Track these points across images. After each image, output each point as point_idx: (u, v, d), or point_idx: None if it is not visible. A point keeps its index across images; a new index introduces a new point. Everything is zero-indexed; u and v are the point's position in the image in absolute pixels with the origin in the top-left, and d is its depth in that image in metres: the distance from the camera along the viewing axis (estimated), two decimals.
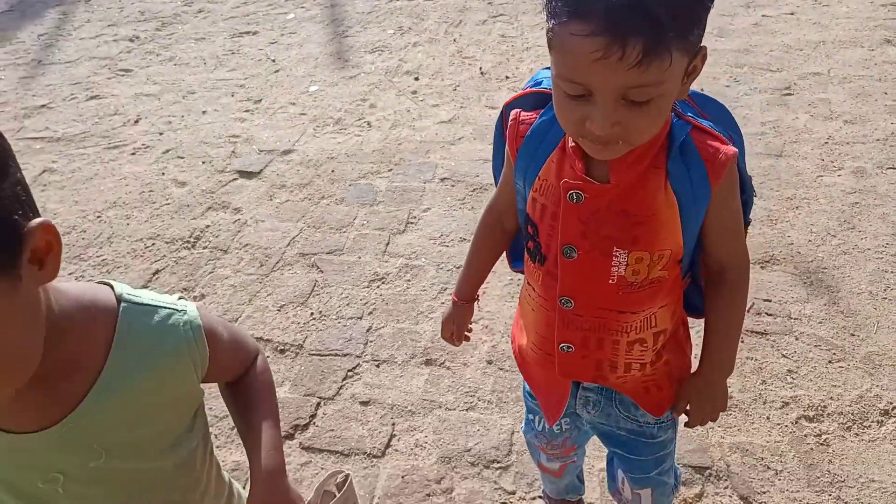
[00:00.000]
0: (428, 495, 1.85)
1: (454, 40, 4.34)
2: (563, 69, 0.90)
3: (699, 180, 1.02)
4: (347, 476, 1.15)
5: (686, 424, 1.30)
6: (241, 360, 1.04)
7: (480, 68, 3.98)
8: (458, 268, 2.58)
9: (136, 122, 3.75)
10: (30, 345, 0.74)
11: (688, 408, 1.27)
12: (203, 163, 3.35)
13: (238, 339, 1.03)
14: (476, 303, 1.45)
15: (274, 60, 4.28)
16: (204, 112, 3.79)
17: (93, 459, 0.87)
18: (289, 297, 2.52)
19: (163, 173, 3.30)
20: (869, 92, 3.38)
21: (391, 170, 3.19)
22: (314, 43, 4.47)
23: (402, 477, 1.90)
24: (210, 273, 2.67)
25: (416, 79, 3.94)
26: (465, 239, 2.73)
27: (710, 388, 1.24)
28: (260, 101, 3.86)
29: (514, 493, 1.85)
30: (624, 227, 1.05)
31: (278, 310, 2.46)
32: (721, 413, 1.29)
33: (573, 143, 1.04)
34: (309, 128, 3.57)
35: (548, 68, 1.11)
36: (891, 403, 2.00)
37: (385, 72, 4.05)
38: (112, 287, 0.87)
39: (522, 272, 1.30)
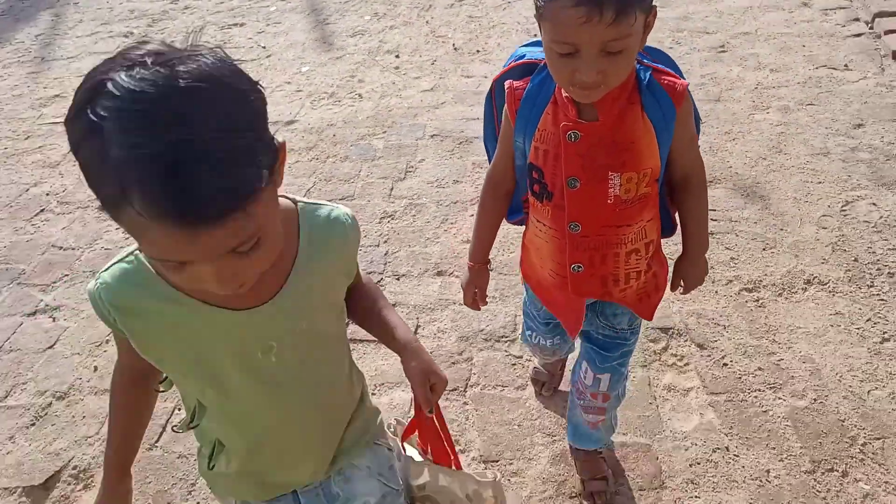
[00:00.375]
0: (453, 363, 2.31)
1: (427, 22, 4.80)
2: (555, 34, 1.14)
3: (666, 107, 1.28)
4: (497, 478, 1.36)
5: (682, 292, 1.63)
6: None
7: (453, 44, 4.45)
8: (454, 203, 3.04)
9: None
10: (281, 234, 0.91)
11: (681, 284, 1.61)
12: None
13: None
14: (489, 265, 1.64)
15: (264, 47, 4.69)
16: None
17: (298, 325, 1.06)
18: None
19: None
20: (790, 46, 3.94)
21: (385, 131, 3.63)
22: (299, 31, 4.88)
23: (430, 352, 2.35)
24: None
25: (397, 56, 4.39)
26: (458, 181, 3.19)
27: (696, 263, 1.57)
28: (258, 81, 4.26)
29: (521, 357, 2.32)
30: (614, 154, 1.28)
31: None
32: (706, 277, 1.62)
33: (565, 95, 1.27)
34: (306, 102, 3.99)
35: (526, 44, 1.44)
36: (812, 276, 2.51)
37: (368, 52, 4.49)
38: (288, 196, 1.06)
39: (518, 223, 1.60)
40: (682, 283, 1.61)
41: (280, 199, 1.00)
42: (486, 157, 1.65)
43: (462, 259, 2.62)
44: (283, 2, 5.37)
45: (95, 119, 0.70)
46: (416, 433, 1.38)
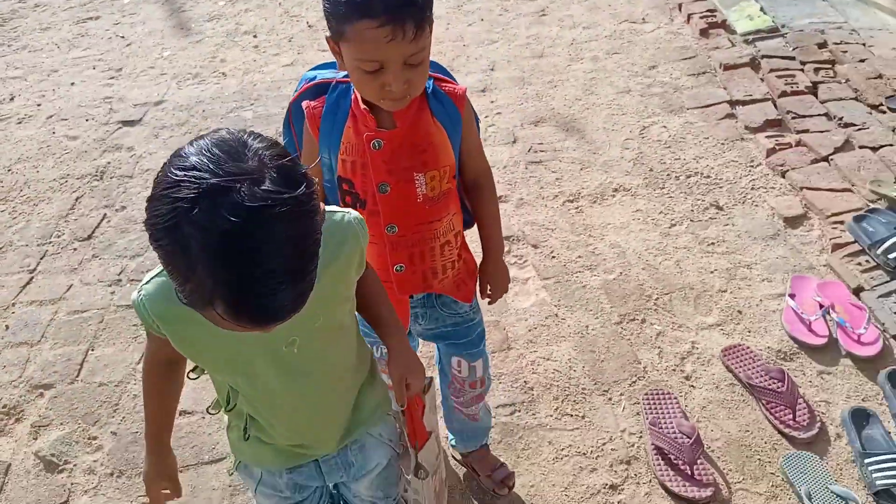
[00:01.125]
0: None
1: (280, 3, 5.10)
2: (362, 54, 1.21)
3: (451, 110, 1.42)
4: (431, 380, 1.42)
5: (489, 302, 1.76)
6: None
7: (307, 22, 4.80)
8: None
9: (12, 99, 4.23)
10: None
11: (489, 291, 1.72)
12: (87, 120, 3.94)
13: None
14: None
15: (123, 37, 4.84)
16: (73, 84, 4.34)
17: (316, 321, 1.13)
18: None
19: (53, 132, 3.86)
20: (598, 6, 4.57)
21: (252, 104, 3.96)
22: (155, 19, 5.06)
23: None
24: (123, 193, 3.34)
25: (255, 36, 4.70)
26: None
27: (498, 267, 1.68)
28: (121, 69, 4.45)
29: None
30: (415, 155, 1.39)
31: None
32: (510, 285, 1.77)
33: (363, 107, 1.35)
34: (172, 83, 4.23)
35: (313, 68, 1.53)
36: (619, 185, 3.10)
37: (226, 34, 4.76)
38: None
39: None
40: (489, 289, 1.72)
41: None
42: None
43: None
44: None
45: (183, 234, 0.82)
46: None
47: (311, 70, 1.53)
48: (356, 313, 1.33)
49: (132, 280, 2.81)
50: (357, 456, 1.37)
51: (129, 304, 2.53)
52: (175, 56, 4.55)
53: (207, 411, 1.31)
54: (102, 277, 2.84)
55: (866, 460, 1.95)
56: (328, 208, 1.14)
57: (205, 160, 0.84)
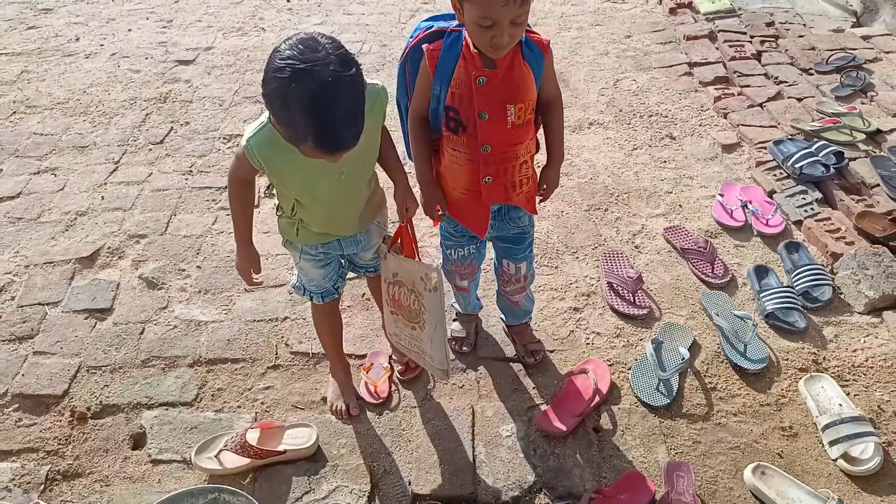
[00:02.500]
0: None
1: None
2: (480, 12, 1.56)
3: (538, 55, 1.77)
4: (438, 270, 1.92)
5: (541, 200, 2.11)
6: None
7: None
8: None
9: (77, 39, 4.90)
10: None
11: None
12: (146, 58, 4.62)
13: None
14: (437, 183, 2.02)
15: None
16: (129, 30, 5.02)
17: (357, 159, 1.75)
18: (249, 116, 3.95)
19: (118, 65, 4.54)
20: None
21: None
22: None
23: None
24: (185, 113, 4.02)
25: (289, 0, 5.40)
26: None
27: (554, 172, 2.04)
28: (171, 20, 5.14)
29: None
30: (509, 91, 1.74)
31: (244, 122, 3.89)
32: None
33: (474, 50, 1.71)
34: (218, 34, 4.92)
35: (426, 19, 1.87)
36: (594, 120, 3.82)
37: None
38: None
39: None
40: (545, 186, 2.07)
41: None
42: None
43: None
44: None
45: (287, 98, 1.43)
46: (399, 241, 2.04)
47: (423, 21, 1.90)
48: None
49: (201, 171, 3.49)
50: (365, 236, 2.05)
51: (203, 186, 3.25)
52: (219, 13, 5.24)
53: (277, 213, 1.98)
54: (177, 168, 3.53)
55: (761, 294, 2.67)
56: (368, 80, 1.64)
57: (295, 52, 1.42)
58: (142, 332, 2.60)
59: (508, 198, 1.96)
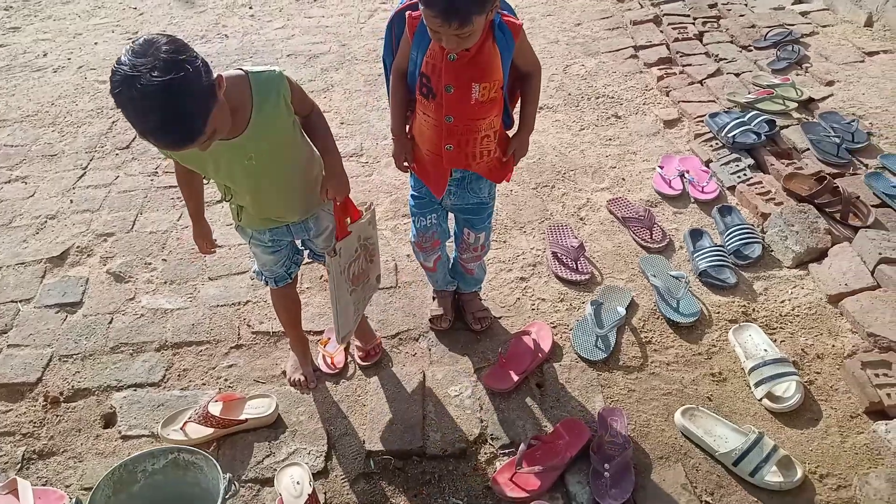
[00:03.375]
0: None
1: None
2: (427, 23, 1.69)
3: (509, 38, 1.84)
4: (372, 206, 2.14)
5: (513, 162, 2.19)
6: (308, 102, 1.88)
7: None
8: (310, 92, 4.27)
9: (45, 55, 5.04)
10: (229, 117, 1.61)
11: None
12: None
13: (302, 91, 1.84)
14: (408, 135, 2.12)
15: (135, 8, 5.67)
16: (96, 43, 5.15)
17: (261, 144, 1.76)
18: None
19: (85, 77, 4.67)
20: None
21: (251, 57, 4.80)
22: None
23: None
24: None
25: (251, 7, 5.55)
26: (311, 80, 4.42)
27: (523, 139, 2.12)
28: (136, 32, 5.28)
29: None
30: (475, 70, 1.82)
31: None
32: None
33: None
34: None
35: None
36: (543, 105, 3.97)
37: (225, 6, 5.61)
38: (241, 68, 1.71)
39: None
40: (512, 152, 2.15)
41: (233, 70, 1.68)
42: (382, 70, 2.17)
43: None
44: None
45: (119, 103, 1.44)
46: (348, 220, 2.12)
47: None
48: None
49: (166, 171, 3.63)
50: (314, 222, 2.12)
51: (168, 186, 3.39)
52: (182, 22, 5.39)
53: (219, 201, 2.07)
54: (143, 171, 3.66)
55: (695, 254, 2.84)
56: (256, 69, 1.72)
57: (126, 58, 1.42)
58: (110, 322, 2.73)
59: (468, 164, 2.07)
